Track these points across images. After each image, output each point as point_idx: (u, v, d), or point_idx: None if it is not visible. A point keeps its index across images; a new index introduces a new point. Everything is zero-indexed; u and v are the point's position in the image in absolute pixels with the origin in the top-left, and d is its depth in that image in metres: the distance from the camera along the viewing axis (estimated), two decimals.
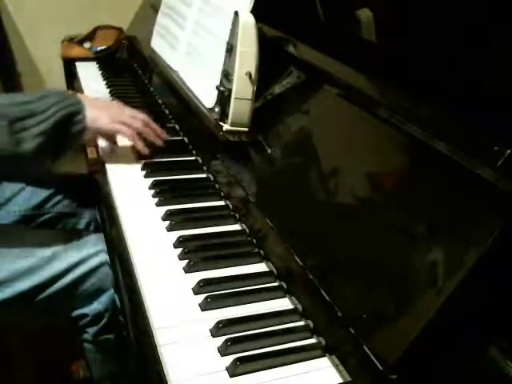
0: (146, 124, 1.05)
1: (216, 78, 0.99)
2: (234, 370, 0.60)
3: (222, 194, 0.95)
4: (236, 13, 0.93)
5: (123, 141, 1.05)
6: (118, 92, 1.45)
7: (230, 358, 0.61)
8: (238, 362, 0.60)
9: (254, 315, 0.68)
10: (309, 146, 0.82)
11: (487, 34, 0.73)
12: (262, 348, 0.63)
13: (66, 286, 0.94)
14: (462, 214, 0.56)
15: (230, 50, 0.94)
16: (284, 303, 0.71)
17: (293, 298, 0.71)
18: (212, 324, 0.66)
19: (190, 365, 0.60)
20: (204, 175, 1.04)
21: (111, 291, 0.94)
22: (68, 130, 0.90)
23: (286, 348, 0.64)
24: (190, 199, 0.94)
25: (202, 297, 0.70)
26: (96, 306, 0.96)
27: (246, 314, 0.68)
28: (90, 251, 0.95)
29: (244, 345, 0.63)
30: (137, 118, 1.03)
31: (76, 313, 0.98)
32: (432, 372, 0.54)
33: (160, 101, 1.38)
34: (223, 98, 0.96)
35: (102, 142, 1.08)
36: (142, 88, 1.51)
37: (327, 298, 0.63)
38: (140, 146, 1.03)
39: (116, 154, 1.06)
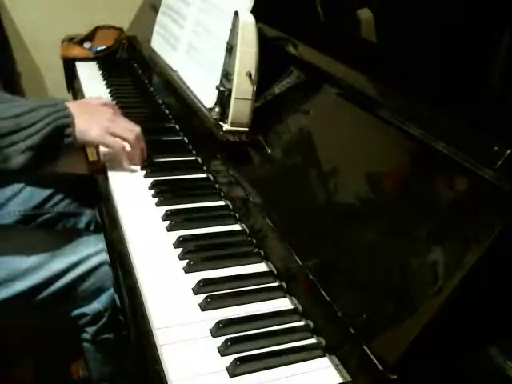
0: (138, 139, 0.99)
1: (216, 78, 0.99)
2: (233, 370, 0.60)
3: (222, 194, 0.95)
4: (236, 13, 0.93)
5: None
6: (118, 92, 1.45)
7: (230, 358, 0.61)
8: (238, 362, 0.60)
9: (253, 315, 0.68)
10: (309, 146, 0.82)
11: (487, 34, 0.73)
12: (262, 348, 0.63)
13: (66, 286, 0.94)
14: (461, 214, 0.56)
15: (230, 50, 0.94)
16: (284, 303, 0.71)
17: (293, 297, 0.71)
18: (212, 324, 0.66)
19: (190, 365, 0.60)
20: (204, 175, 1.04)
21: (111, 291, 0.94)
22: (57, 143, 0.87)
23: (286, 348, 0.64)
24: (190, 199, 0.93)
25: (201, 297, 0.70)
26: (96, 306, 0.96)
27: (245, 314, 0.68)
28: (89, 251, 0.95)
29: (244, 345, 0.63)
30: (131, 130, 0.97)
31: (76, 312, 0.98)
32: (432, 372, 0.55)
33: (160, 101, 1.38)
34: (223, 98, 0.96)
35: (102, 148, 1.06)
36: (142, 88, 1.51)
37: (327, 298, 0.63)
38: (123, 160, 0.99)
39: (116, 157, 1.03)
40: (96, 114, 0.94)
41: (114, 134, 0.95)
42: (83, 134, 0.90)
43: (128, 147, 0.99)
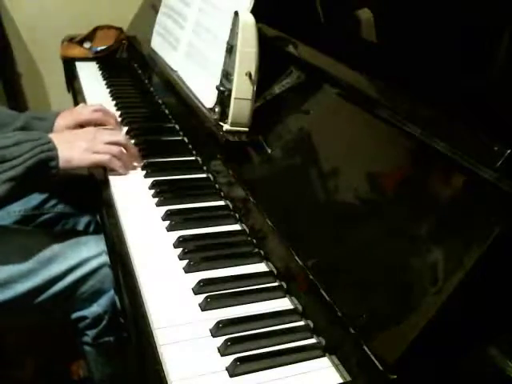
0: (124, 149, 1.00)
1: (216, 78, 0.99)
2: (233, 370, 0.60)
3: (222, 194, 0.95)
4: (236, 13, 0.93)
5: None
6: (118, 92, 1.45)
7: (230, 358, 0.61)
8: (238, 362, 0.60)
9: (253, 315, 0.68)
10: (309, 146, 0.82)
11: (487, 34, 0.73)
12: (261, 348, 0.63)
13: (66, 288, 0.94)
14: (461, 214, 0.56)
15: (230, 50, 0.94)
16: (284, 303, 0.71)
17: (293, 297, 0.71)
18: (212, 324, 0.66)
19: (190, 365, 0.60)
20: (204, 175, 1.04)
21: (111, 293, 0.94)
22: (41, 174, 0.89)
23: (286, 348, 0.64)
24: (190, 199, 0.93)
25: (202, 297, 0.70)
26: (95, 309, 0.96)
27: (245, 314, 0.68)
28: (89, 253, 0.95)
29: (244, 345, 0.63)
30: (114, 142, 0.99)
31: (75, 315, 0.97)
32: (432, 372, 0.54)
33: (160, 101, 1.38)
34: (223, 98, 0.96)
35: None
36: (142, 88, 1.51)
37: (327, 298, 0.63)
38: (118, 167, 0.99)
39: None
40: (76, 140, 0.96)
41: (98, 152, 0.96)
42: (69, 162, 0.92)
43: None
